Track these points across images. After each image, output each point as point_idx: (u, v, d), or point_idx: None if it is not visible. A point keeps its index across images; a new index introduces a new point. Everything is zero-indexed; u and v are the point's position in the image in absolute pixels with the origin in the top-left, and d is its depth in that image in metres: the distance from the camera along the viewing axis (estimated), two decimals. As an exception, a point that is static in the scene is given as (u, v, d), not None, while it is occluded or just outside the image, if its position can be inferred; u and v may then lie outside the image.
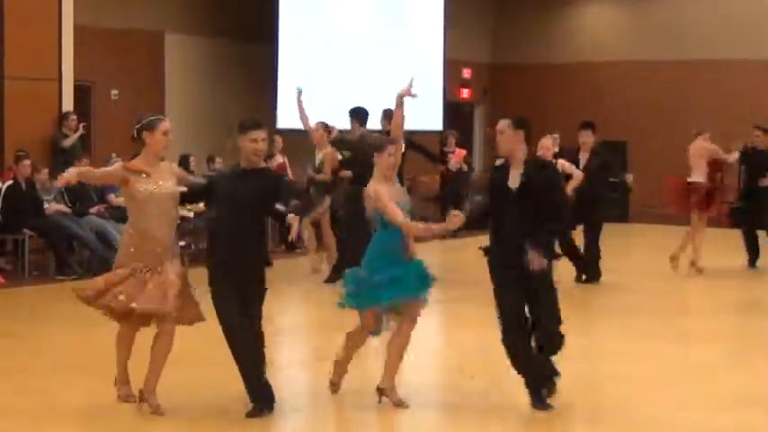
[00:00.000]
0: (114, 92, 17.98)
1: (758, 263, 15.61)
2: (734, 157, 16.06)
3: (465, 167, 20.53)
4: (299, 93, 14.32)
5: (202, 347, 8.97)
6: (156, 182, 7.44)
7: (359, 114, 14.33)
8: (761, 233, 15.79)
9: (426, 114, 18.26)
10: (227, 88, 20.09)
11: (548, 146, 12.21)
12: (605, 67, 26.00)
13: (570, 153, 13.70)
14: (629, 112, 22.07)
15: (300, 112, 14.36)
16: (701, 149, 15.35)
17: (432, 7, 23.76)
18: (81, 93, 17.12)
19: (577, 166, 13.23)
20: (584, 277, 13.94)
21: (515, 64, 26.93)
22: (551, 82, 26.35)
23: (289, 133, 17.88)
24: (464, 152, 18.63)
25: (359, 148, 13.57)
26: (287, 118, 19.29)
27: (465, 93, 25.51)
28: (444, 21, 23.81)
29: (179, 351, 7.81)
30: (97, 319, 11.79)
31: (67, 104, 16.21)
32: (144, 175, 7.39)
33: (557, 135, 13.19)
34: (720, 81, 23.99)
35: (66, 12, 16.07)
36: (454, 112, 24.57)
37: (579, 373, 7.96)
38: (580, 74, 26.22)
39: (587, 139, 13.88)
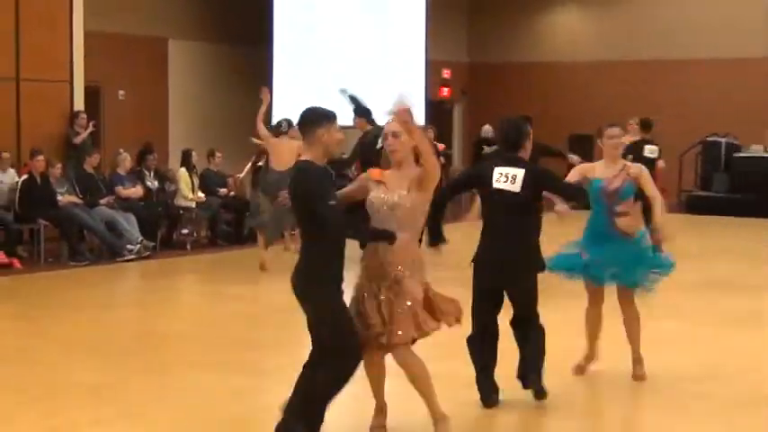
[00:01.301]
0: (121, 92, 18.03)
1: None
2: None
3: (443, 160, 20.62)
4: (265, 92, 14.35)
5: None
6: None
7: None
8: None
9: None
10: (226, 89, 20.10)
11: None
12: (576, 66, 25.99)
13: None
14: (596, 107, 22.09)
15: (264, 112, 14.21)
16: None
17: (414, 13, 23.68)
18: (91, 93, 17.08)
19: None
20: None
21: (492, 64, 26.91)
22: (525, 80, 26.36)
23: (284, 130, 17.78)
24: (443, 146, 18.66)
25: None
26: (281, 117, 19.35)
27: (445, 91, 25.50)
28: (426, 24, 23.76)
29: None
30: (108, 303, 11.85)
31: (78, 104, 16.22)
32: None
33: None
34: (682, 79, 23.99)
35: (76, 18, 16.10)
36: (435, 109, 24.48)
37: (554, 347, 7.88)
38: (552, 72, 26.24)
39: None
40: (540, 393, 7.08)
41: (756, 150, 21.69)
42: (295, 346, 9.52)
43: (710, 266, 13.96)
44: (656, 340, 8.53)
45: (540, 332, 7.19)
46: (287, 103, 19.51)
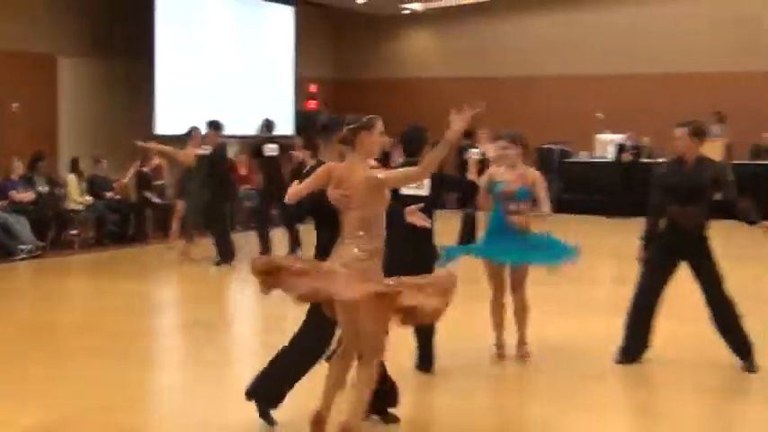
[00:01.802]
0: (15, 105, 17.80)
1: None
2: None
3: (307, 165, 20.92)
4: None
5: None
6: None
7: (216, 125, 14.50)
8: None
9: (280, 122, 18.69)
10: (112, 101, 19.99)
11: None
12: (427, 82, 26.36)
13: None
14: (443, 119, 22.64)
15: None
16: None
17: (284, 33, 24.06)
18: None
19: None
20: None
21: (354, 79, 27.19)
22: (383, 95, 26.06)
23: (165, 138, 17.62)
24: (308, 152, 19.39)
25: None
26: (163, 125, 19.60)
27: (312, 104, 25.68)
28: (295, 44, 24.18)
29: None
30: (1, 298, 11.79)
31: None
32: None
33: None
34: (523, 94, 24.54)
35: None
36: (303, 120, 24.28)
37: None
38: (407, 88, 26.50)
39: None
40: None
41: (584, 156, 22.75)
42: (179, 335, 10.01)
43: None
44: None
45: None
46: (169, 114, 19.85)
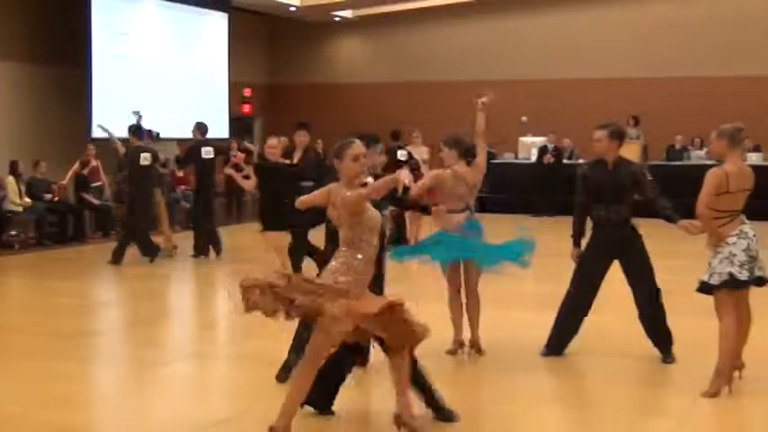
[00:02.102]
0: None
1: None
2: None
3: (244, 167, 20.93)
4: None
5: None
6: None
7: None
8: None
9: (215, 125, 18.73)
10: (50, 106, 19.86)
11: (273, 144, 10.50)
12: (357, 86, 26.50)
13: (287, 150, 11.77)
14: (373, 123, 22.66)
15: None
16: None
17: (218, 39, 23.98)
18: None
19: (292, 161, 11.42)
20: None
21: (286, 84, 27.24)
22: (316, 100, 26.52)
23: (100, 142, 17.88)
24: (243, 156, 19.47)
25: None
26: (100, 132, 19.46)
27: (246, 108, 25.75)
28: (228, 49, 24.07)
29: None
30: None
31: None
32: None
33: (284, 138, 12.18)
34: (446, 98, 24.50)
35: None
36: (238, 123, 24.79)
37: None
38: (338, 92, 26.63)
39: (302, 138, 11.80)
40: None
41: (509, 158, 23.04)
42: (119, 333, 9.95)
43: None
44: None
45: None
46: (105, 118, 18.80)
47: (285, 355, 7.13)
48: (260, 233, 10.17)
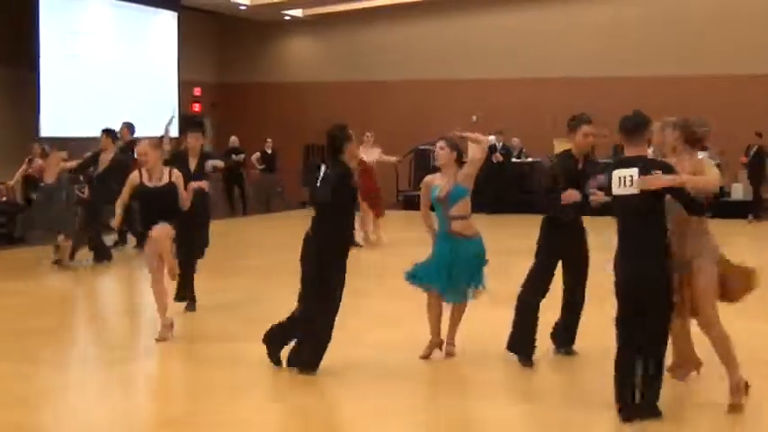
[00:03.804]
0: None
1: None
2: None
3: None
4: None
5: None
6: None
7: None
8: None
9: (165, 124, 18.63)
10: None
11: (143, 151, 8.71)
12: (308, 85, 26.51)
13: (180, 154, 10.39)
14: (325, 121, 22.74)
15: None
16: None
17: (168, 39, 23.92)
18: None
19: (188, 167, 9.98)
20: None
21: (236, 83, 27.16)
22: (267, 98, 26.61)
23: (50, 140, 17.54)
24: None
25: None
26: (48, 128, 19.39)
27: (196, 107, 25.64)
28: (178, 49, 24.04)
29: None
30: None
31: None
32: None
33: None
34: (403, 97, 24.93)
35: None
36: (188, 122, 24.77)
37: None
38: (290, 91, 26.60)
39: (195, 141, 10.23)
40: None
41: None
42: (66, 333, 9.87)
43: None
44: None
45: None
46: (54, 117, 19.63)
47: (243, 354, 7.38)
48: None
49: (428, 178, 7.90)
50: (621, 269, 6.18)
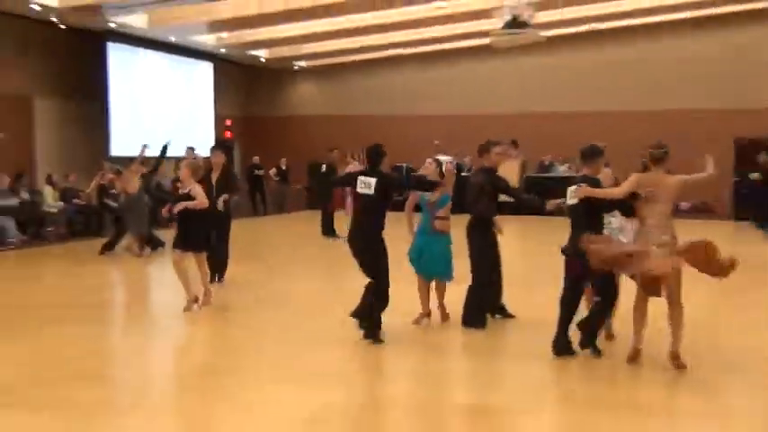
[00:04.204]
0: (1, 134, 17.00)
1: None
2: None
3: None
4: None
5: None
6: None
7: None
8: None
9: (204, 147, 18.51)
10: (77, 130, 19.41)
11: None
12: (310, 118, 26.21)
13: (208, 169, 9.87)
14: (324, 145, 22.84)
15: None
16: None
17: (205, 81, 23.68)
18: None
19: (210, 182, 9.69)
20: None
21: (258, 116, 26.89)
22: (280, 127, 26.43)
23: (118, 158, 17.40)
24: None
25: None
26: (116, 149, 19.14)
27: (228, 134, 25.44)
28: (214, 90, 23.88)
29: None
30: None
31: None
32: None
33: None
34: (386, 128, 23.71)
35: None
36: (225, 145, 24.32)
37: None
38: (297, 122, 26.37)
39: (218, 159, 9.97)
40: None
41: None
42: (133, 304, 9.76)
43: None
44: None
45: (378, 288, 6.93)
46: (120, 140, 19.36)
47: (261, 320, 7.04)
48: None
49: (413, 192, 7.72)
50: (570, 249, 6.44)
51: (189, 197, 8.37)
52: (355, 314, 7.20)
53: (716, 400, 5.61)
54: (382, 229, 6.96)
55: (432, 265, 7.60)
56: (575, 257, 6.31)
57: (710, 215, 20.04)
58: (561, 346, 6.50)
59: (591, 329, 6.52)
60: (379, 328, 7.00)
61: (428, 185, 7.24)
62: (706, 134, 20.75)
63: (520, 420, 5.14)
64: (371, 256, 6.87)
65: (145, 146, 13.46)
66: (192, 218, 8.34)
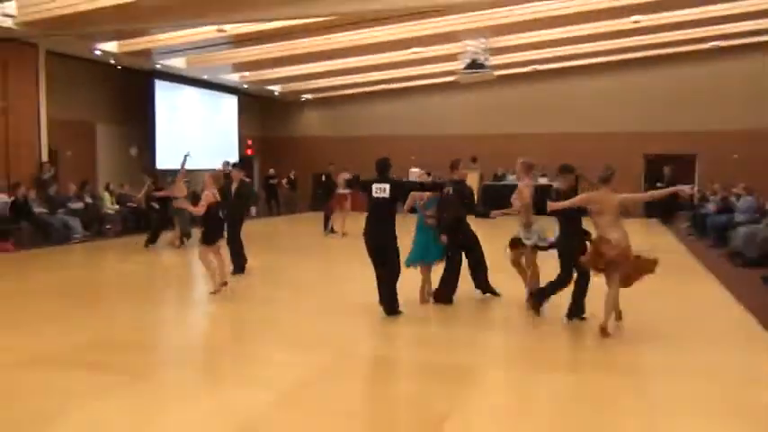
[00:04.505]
0: (69, 152, 17.20)
1: None
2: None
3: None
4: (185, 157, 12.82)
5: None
6: None
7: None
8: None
9: (232, 160, 18.56)
10: (128, 150, 19.29)
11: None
12: (315, 138, 26.04)
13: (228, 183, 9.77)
14: (326, 161, 22.57)
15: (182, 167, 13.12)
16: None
17: (231, 109, 23.50)
18: (52, 152, 16.24)
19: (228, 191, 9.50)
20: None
21: (273, 137, 26.72)
22: (290, 146, 26.22)
23: (161, 171, 17.60)
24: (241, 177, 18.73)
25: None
26: (160, 163, 19.11)
27: (249, 151, 25.30)
28: (238, 113, 23.72)
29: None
30: (63, 265, 10.84)
31: (44, 157, 15.61)
32: None
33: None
34: (376, 148, 23.91)
35: (42, 109, 15.52)
36: (247, 161, 24.32)
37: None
38: (303, 141, 26.15)
39: (236, 174, 9.76)
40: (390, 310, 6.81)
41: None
42: (170, 287, 9.57)
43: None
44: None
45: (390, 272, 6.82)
46: (164, 157, 19.31)
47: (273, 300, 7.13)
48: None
49: (414, 194, 7.42)
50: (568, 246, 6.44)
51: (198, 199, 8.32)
52: (380, 301, 6.99)
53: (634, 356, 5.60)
54: (394, 224, 6.84)
55: (436, 252, 7.43)
56: (572, 252, 6.26)
57: (627, 215, 20.28)
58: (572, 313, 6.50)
59: (543, 294, 6.64)
60: (396, 301, 6.82)
61: (431, 186, 7.09)
62: (623, 151, 21.11)
63: (491, 374, 5.14)
64: (388, 246, 6.73)
65: (187, 155, 13.33)
66: (209, 219, 8.28)
